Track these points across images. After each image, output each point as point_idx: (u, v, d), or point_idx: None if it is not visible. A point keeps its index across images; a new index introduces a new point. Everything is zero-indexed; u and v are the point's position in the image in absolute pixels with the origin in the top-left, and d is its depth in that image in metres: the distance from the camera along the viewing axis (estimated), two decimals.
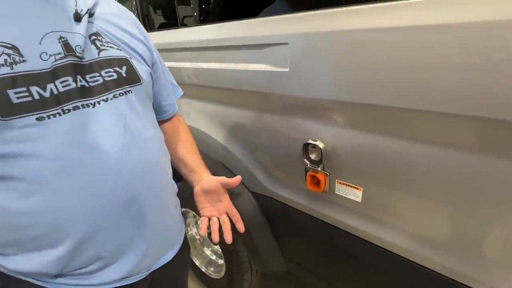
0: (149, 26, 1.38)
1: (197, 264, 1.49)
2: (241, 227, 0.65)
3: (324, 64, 0.63)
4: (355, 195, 0.70)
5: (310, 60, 0.65)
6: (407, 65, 0.51)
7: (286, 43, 0.67)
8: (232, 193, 0.93)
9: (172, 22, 1.23)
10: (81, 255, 0.44)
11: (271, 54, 0.72)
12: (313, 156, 0.73)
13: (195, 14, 1.08)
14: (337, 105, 0.66)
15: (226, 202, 0.66)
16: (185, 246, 0.64)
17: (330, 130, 0.69)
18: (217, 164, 1.04)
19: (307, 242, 0.90)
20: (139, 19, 1.28)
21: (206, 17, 1.12)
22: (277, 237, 0.99)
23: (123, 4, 0.58)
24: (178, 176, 0.67)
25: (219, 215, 0.65)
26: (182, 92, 0.72)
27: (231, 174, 1.02)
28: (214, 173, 1.06)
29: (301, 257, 0.97)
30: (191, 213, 1.42)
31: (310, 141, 0.71)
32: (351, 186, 0.70)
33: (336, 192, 0.74)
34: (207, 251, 1.53)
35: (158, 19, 1.38)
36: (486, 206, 0.51)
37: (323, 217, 0.81)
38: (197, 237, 1.56)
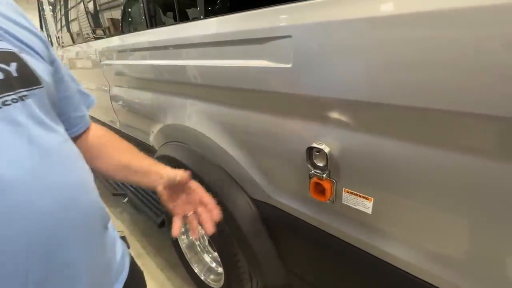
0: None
1: (196, 271, 1.43)
2: (216, 214, 0.55)
3: (331, 59, 0.56)
4: (365, 206, 0.63)
5: (316, 55, 0.58)
6: (429, 60, 0.43)
7: (289, 36, 0.61)
8: (230, 199, 0.86)
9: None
10: None
11: (272, 49, 0.65)
12: (317, 162, 0.66)
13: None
14: (345, 105, 0.59)
15: (197, 190, 0.57)
16: (134, 271, 0.57)
17: (337, 133, 0.62)
18: (216, 169, 0.98)
19: (310, 254, 0.83)
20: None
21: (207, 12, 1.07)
22: (278, 247, 0.92)
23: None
24: None
25: (194, 208, 0.55)
26: (95, 101, 0.62)
27: (230, 178, 0.95)
28: (214, 178, 1.01)
29: (303, 270, 0.89)
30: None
31: (315, 145, 0.64)
32: (360, 196, 0.63)
33: (343, 202, 0.67)
34: (207, 258, 1.47)
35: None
36: None
37: (328, 229, 0.74)
38: (197, 243, 1.50)
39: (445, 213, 0.51)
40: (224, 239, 1.03)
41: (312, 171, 0.67)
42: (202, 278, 1.40)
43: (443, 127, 0.46)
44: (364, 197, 0.62)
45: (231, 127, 0.91)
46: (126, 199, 2.06)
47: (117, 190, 1.96)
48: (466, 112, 0.42)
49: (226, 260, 1.11)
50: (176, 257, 1.51)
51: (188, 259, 1.47)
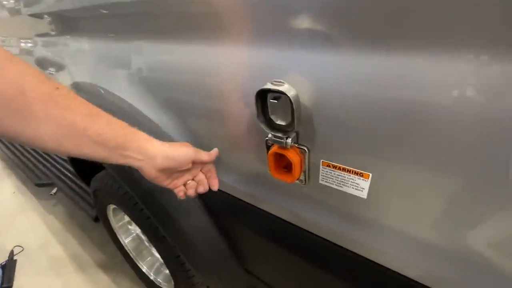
0: None
1: (143, 270, 1.16)
2: (215, 183, 0.53)
3: None
4: (357, 186, 0.37)
5: None
6: None
7: None
8: (157, 187, 0.58)
9: None
10: None
11: None
12: (276, 117, 0.38)
13: None
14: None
15: (198, 163, 0.50)
16: None
17: (309, 61, 0.34)
18: None
19: (277, 254, 0.58)
20: None
21: None
22: (233, 245, 0.67)
23: None
24: None
25: (194, 175, 0.52)
26: None
27: None
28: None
29: (269, 273, 0.66)
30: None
31: (270, 86, 0.35)
32: (350, 171, 0.37)
33: (320, 182, 0.41)
34: (156, 253, 1.19)
35: None
36: None
37: (300, 222, 0.49)
38: (143, 237, 1.21)
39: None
40: (160, 239, 0.75)
41: (270, 135, 0.40)
42: (152, 278, 1.14)
43: None
44: (357, 173, 0.36)
45: (151, 82, 0.59)
46: (55, 190, 1.68)
47: (41, 178, 1.56)
48: None
49: (170, 262, 0.84)
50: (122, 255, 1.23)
51: (133, 257, 1.19)
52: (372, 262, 0.42)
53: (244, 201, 0.56)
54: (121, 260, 1.25)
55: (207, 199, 0.63)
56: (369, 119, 0.32)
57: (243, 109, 0.43)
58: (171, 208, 0.63)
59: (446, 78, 0.27)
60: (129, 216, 0.88)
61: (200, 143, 0.54)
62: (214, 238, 0.65)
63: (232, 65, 0.43)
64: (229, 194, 0.58)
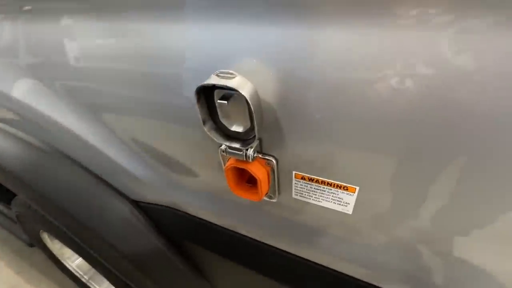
0: None
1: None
2: None
3: None
4: (341, 201, 0.29)
5: None
6: None
7: None
8: (96, 212, 0.45)
9: None
10: None
11: None
12: (230, 121, 0.28)
13: None
14: None
15: None
16: None
17: (273, 38, 0.24)
18: (67, 168, 0.51)
19: (247, 276, 0.50)
20: None
21: None
22: (197, 269, 0.57)
23: None
24: None
25: None
26: None
27: (95, 178, 0.51)
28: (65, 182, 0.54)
29: None
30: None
31: (215, 79, 0.24)
32: (330, 185, 0.29)
33: (294, 196, 0.33)
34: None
35: None
36: None
37: (272, 241, 0.41)
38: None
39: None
40: (101, 266, 0.63)
41: (223, 145, 0.29)
42: None
43: None
44: (340, 186, 0.28)
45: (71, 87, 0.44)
46: None
47: None
48: None
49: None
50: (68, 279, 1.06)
51: (86, 282, 1.03)
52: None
53: (205, 221, 0.46)
54: (73, 286, 1.08)
55: (160, 217, 0.52)
56: (358, 119, 0.23)
57: (182, 110, 0.32)
58: (105, 233, 0.51)
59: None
60: (63, 244, 0.72)
61: (139, 154, 0.42)
62: (170, 261, 0.55)
63: (156, 48, 0.31)
64: (184, 212, 0.47)
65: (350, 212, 0.30)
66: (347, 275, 0.36)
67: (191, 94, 0.26)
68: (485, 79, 0.18)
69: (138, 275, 0.57)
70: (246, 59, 0.25)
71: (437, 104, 0.20)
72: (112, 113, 0.42)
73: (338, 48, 0.22)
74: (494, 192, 0.22)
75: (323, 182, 0.29)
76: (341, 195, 0.29)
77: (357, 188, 0.27)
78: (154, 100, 0.34)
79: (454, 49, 0.19)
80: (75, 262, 1.03)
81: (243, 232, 0.42)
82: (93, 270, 1.05)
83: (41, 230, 0.85)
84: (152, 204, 0.50)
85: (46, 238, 0.92)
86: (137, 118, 0.38)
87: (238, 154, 0.28)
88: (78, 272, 1.03)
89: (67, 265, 1.01)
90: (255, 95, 0.24)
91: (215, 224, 0.45)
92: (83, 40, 0.37)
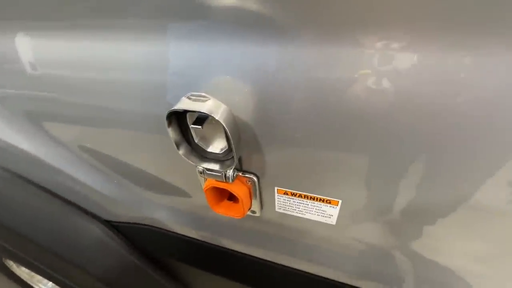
0: None
1: None
2: None
3: None
4: (324, 213, 0.29)
5: None
6: None
7: None
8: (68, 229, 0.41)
9: None
10: None
11: None
12: (206, 142, 0.26)
13: None
14: None
15: None
16: None
17: (248, 57, 0.23)
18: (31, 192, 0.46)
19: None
20: None
21: None
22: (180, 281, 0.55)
23: None
24: None
25: None
26: None
27: (60, 200, 0.47)
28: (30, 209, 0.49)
29: None
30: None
31: (186, 104, 0.22)
32: (313, 199, 0.28)
33: (277, 210, 0.32)
34: None
35: None
36: None
37: (259, 254, 0.40)
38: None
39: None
40: None
41: (201, 167, 0.28)
42: None
43: None
44: (323, 200, 0.28)
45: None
46: None
47: None
48: None
49: None
50: None
51: None
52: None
53: (185, 236, 0.44)
54: None
55: (135, 236, 0.49)
56: (337, 134, 0.23)
57: (155, 128, 0.30)
58: (76, 258, 0.47)
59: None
60: (31, 270, 0.67)
61: (107, 173, 0.39)
62: (151, 279, 0.52)
63: (126, 65, 0.28)
64: (164, 230, 0.45)
65: (334, 223, 0.30)
66: (332, 280, 0.36)
67: (163, 112, 0.24)
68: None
69: None
70: (219, 78, 0.24)
71: (421, 117, 0.20)
72: (71, 130, 0.38)
73: (311, 67, 0.21)
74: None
75: (306, 197, 0.28)
76: (324, 208, 0.29)
77: (340, 201, 0.27)
78: (123, 114, 0.32)
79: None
80: (47, 285, 0.95)
81: (226, 245, 0.41)
82: None
83: (3, 258, 0.77)
84: (126, 223, 0.47)
85: (13, 265, 0.85)
86: (106, 137, 0.35)
87: (217, 176, 0.27)
88: None
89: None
90: (230, 116, 0.23)
91: (196, 239, 0.43)
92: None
